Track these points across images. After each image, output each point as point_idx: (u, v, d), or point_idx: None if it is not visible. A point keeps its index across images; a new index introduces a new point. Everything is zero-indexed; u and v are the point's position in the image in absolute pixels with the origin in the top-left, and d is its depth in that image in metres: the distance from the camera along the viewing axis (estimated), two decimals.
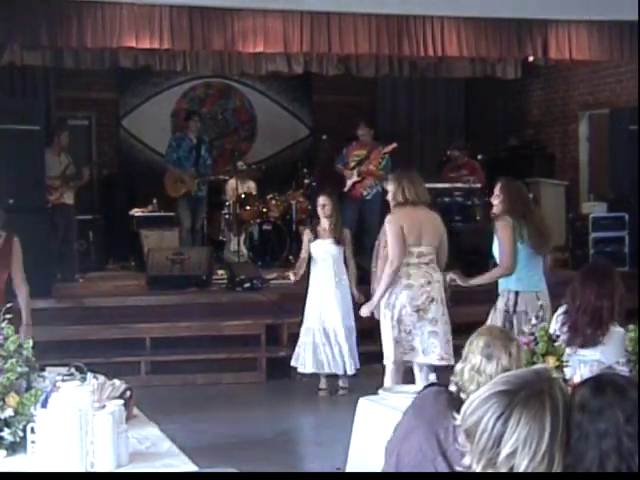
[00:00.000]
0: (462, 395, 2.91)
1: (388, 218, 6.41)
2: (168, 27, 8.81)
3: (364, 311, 6.56)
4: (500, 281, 6.21)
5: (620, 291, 4.54)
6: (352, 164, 10.73)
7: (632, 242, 10.47)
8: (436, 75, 11.72)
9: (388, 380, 6.33)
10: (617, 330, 4.48)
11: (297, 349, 7.98)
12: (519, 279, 6.12)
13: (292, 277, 8.14)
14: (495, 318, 6.13)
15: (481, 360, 3.03)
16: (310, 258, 7.97)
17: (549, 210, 12.00)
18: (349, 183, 10.66)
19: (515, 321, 6.01)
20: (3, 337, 3.52)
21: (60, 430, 3.07)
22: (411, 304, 6.25)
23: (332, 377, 8.00)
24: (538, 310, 5.67)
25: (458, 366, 3.14)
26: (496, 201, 6.27)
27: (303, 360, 7.90)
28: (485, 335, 3.11)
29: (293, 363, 8.02)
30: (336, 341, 7.82)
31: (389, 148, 10.69)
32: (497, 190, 6.28)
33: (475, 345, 3.09)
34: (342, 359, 7.82)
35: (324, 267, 7.85)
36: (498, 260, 6.24)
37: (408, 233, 6.27)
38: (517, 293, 6.09)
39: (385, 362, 6.39)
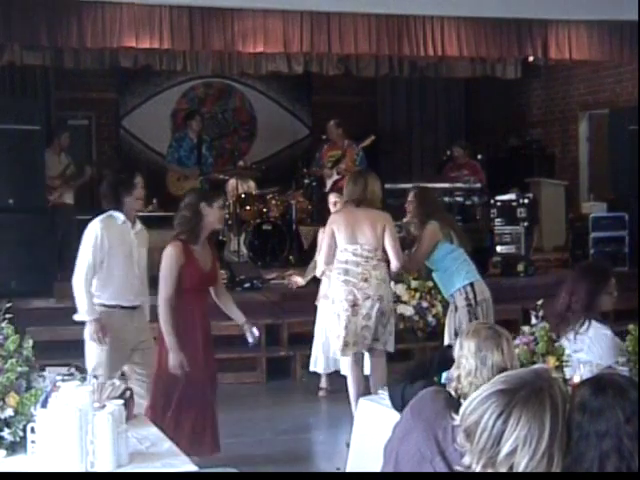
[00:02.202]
0: (462, 401, 2.93)
1: (329, 220, 6.62)
2: (168, 27, 8.81)
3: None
4: (447, 286, 6.34)
5: (614, 290, 4.60)
6: (329, 165, 10.83)
7: (632, 242, 10.47)
8: (436, 75, 11.73)
9: (348, 371, 6.57)
10: (605, 332, 4.47)
11: (314, 351, 7.86)
12: (468, 272, 6.29)
13: (301, 281, 8.13)
14: (457, 317, 6.18)
15: (476, 365, 3.08)
16: None
17: (549, 210, 12.03)
18: (330, 183, 10.70)
19: (480, 311, 6.12)
20: (3, 337, 3.52)
21: (60, 430, 3.07)
22: (347, 299, 6.36)
23: (332, 376, 7.97)
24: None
25: (453, 372, 3.16)
26: (410, 207, 6.49)
27: (315, 360, 7.85)
28: (474, 338, 3.13)
29: (312, 368, 7.92)
30: None
31: (367, 141, 10.75)
32: (411, 197, 6.51)
33: (467, 349, 3.11)
34: None
35: None
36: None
37: (343, 232, 6.41)
38: (472, 285, 6.23)
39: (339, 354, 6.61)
